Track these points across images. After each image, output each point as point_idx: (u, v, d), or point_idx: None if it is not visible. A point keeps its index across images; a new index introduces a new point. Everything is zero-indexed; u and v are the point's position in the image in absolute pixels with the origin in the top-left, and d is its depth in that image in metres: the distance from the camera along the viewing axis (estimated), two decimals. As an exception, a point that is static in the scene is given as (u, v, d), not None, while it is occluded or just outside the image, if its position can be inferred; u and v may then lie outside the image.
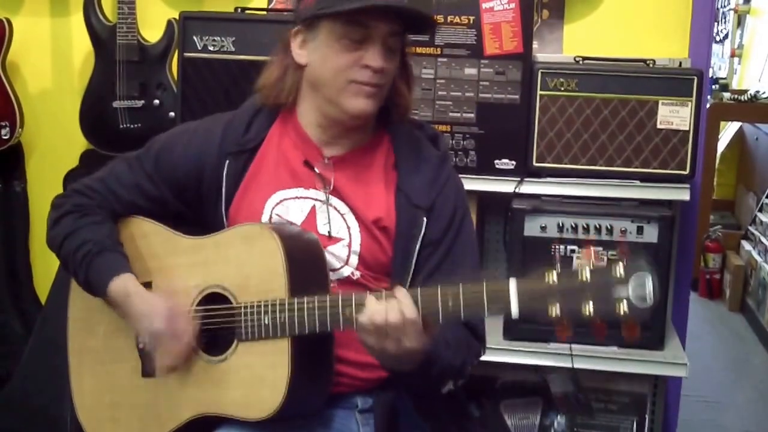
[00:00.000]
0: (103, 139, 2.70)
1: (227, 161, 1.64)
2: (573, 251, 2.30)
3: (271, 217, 1.61)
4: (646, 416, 2.48)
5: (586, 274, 1.29)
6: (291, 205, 1.62)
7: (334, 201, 1.62)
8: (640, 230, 2.28)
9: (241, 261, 1.54)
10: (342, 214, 1.62)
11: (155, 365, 1.59)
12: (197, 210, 1.67)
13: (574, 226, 2.29)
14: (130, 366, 1.64)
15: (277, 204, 1.62)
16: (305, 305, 1.46)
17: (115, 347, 1.66)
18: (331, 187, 1.62)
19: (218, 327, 1.55)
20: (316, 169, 1.62)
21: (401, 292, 1.39)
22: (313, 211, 1.62)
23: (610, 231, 2.28)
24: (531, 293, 1.32)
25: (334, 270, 1.60)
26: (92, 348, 1.71)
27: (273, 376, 1.47)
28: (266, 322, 1.49)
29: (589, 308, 1.28)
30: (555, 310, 1.30)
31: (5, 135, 2.76)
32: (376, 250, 1.61)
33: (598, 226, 2.29)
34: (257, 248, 1.52)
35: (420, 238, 1.60)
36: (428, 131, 1.73)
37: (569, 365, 2.31)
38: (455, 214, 1.63)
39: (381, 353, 1.41)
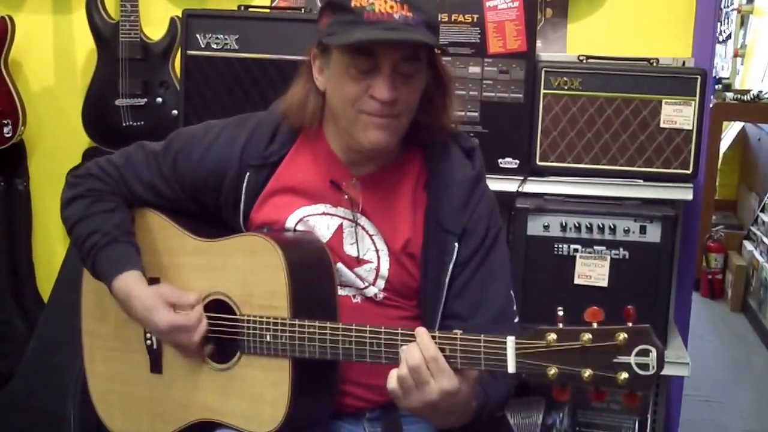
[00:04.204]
0: (105, 137, 2.70)
1: (248, 173, 1.58)
2: (576, 251, 2.30)
3: (294, 232, 1.57)
4: (648, 416, 2.48)
5: (588, 338, 1.24)
6: (317, 222, 1.57)
7: (363, 221, 1.57)
8: (642, 230, 2.27)
9: (245, 272, 1.52)
10: (371, 236, 1.57)
11: (176, 357, 1.58)
12: (214, 213, 1.64)
13: (577, 225, 2.29)
14: (138, 359, 1.65)
15: (300, 220, 1.57)
16: (306, 329, 1.44)
17: (126, 337, 1.67)
18: (360, 209, 1.57)
19: (222, 337, 1.54)
20: (343, 190, 1.57)
21: (419, 331, 1.34)
22: (340, 230, 1.57)
23: (613, 230, 2.28)
24: (529, 352, 1.27)
25: (358, 288, 1.57)
26: (104, 333, 1.71)
27: (274, 394, 1.47)
28: (268, 339, 1.48)
29: (587, 373, 1.23)
30: (553, 371, 1.25)
31: (8, 133, 2.76)
32: (404, 276, 1.57)
33: (601, 226, 2.29)
34: (260, 262, 1.50)
35: (451, 265, 1.53)
36: (464, 143, 1.63)
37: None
38: (487, 235, 1.57)
39: (419, 408, 1.34)
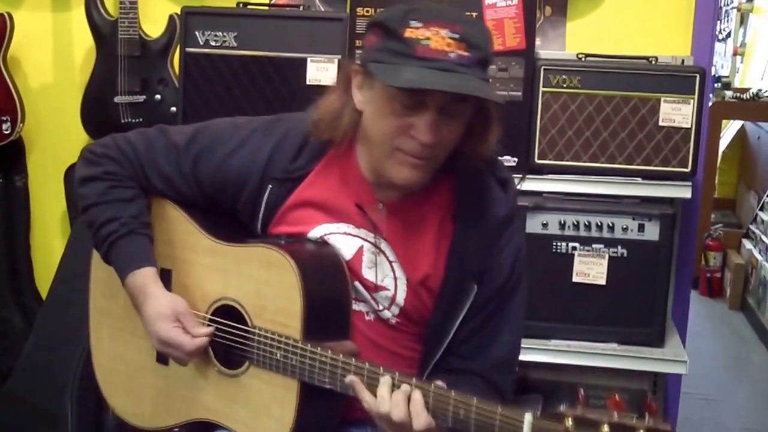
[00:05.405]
0: (104, 134, 2.60)
1: (270, 186, 1.52)
2: (574, 249, 2.30)
3: (313, 243, 1.53)
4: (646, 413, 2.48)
5: (606, 430, 1.20)
6: (338, 241, 1.51)
7: (384, 246, 1.51)
8: (641, 228, 2.28)
9: (259, 284, 1.49)
10: (390, 262, 1.51)
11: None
12: (231, 214, 1.59)
13: (575, 223, 2.29)
14: (145, 346, 1.61)
15: (321, 238, 1.52)
16: (317, 357, 1.40)
17: (134, 320, 1.62)
18: (383, 236, 1.50)
19: (232, 344, 1.52)
20: (368, 214, 1.50)
21: (416, 395, 1.32)
22: (360, 252, 1.51)
23: (611, 228, 2.28)
24: None
25: (373, 308, 1.52)
26: (112, 312, 1.69)
27: (280, 412, 1.46)
28: (278, 357, 1.44)
29: None
30: None
31: (6, 130, 2.76)
32: (419, 307, 1.52)
33: (599, 224, 2.29)
34: (276, 277, 1.45)
35: (467, 306, 1.48)
36: (499, 173, 1.53)
37: (569, 362, 2.32)
38: (508, 281, 1.50)
39: None
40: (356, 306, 1.53)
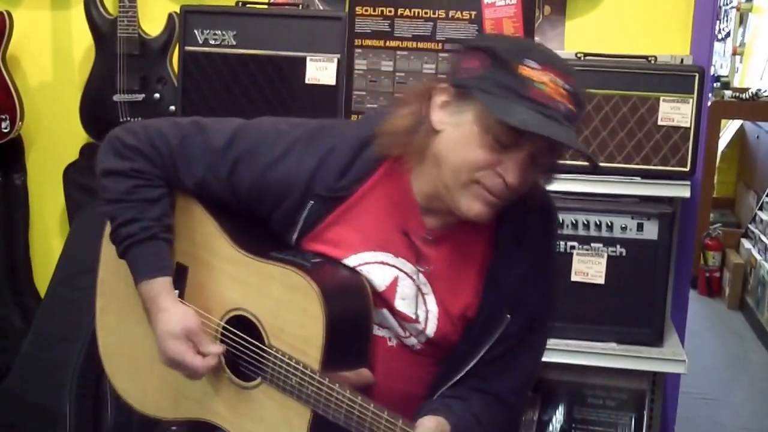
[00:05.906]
0: (103, 132, 2.59)
1: (311, 202, 1.45)
2: (573, 248, 2.30)
3: (342, 268, 1.48)
4: (645, 412, 2.49)
5: None
6: (371, 270, 1.45)
7: (420, 278, 1.46)
8: (640, 227, 2.28)
9: (280, 305, 1.44)
10: (424, 294, 1.47)
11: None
12: (260, 221, 1.52)
13: (574, 222, 2.29)
14: (154, 336, 1.55)
15: (356, 267, 1.46)
16: (334, 393, 1.36)
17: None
18: (427, 267, 1.46)
19: (245, 358, 1.49)
20: (415, 244, 1.45)
21: None
22: (394, 283, 1.45)
23: (610, 228, 2.28)
24: None
25: (397, 334, 1.49)
26: (121, 292, 1.62)
27: None
28: (293, 382, 1.40)
29: None
30: None
31: (5, 128, 2.76)
32: (449, 335, 1.48)
33: (598, 223, 2.29)
34: (299, 303, 1.40)
35: (497, 335, 1.45)
36: (541, 198, 1.48)
37: (567, 361, 2.32)
38: (539, 313, 1.50)
39: None
40: (379, 332, 1.48)
